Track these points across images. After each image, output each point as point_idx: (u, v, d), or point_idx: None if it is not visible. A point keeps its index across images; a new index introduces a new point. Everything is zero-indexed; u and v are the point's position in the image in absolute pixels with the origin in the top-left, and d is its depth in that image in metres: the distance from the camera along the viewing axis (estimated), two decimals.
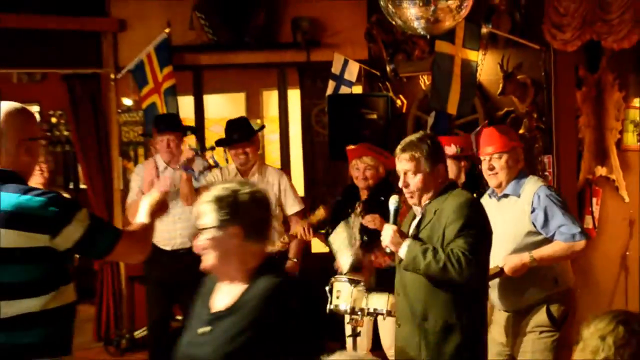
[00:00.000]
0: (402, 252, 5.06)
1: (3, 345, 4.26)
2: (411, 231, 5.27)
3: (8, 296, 4.24)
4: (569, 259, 6.15)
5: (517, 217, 5.94)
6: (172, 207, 7.83)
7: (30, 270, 4.26)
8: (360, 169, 7.42)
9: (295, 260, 7.96)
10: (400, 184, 5.28)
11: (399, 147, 5.31)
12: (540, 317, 6.05)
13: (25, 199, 4.22)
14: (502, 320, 6.34)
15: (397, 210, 5.30)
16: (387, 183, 7.48)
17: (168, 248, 8.11)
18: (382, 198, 7.18)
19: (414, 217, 5.38)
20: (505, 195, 6.21)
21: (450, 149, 7.37)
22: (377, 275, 5.48)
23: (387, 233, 5.13)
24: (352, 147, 7.62)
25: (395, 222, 5.26)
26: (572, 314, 6.23)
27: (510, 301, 6.14)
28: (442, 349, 5.07)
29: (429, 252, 4.95)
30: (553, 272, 6.11)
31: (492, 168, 6.24)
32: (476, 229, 5.10)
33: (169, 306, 8.43)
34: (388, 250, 5.17)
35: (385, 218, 6.72)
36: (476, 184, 7.23)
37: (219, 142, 8.22)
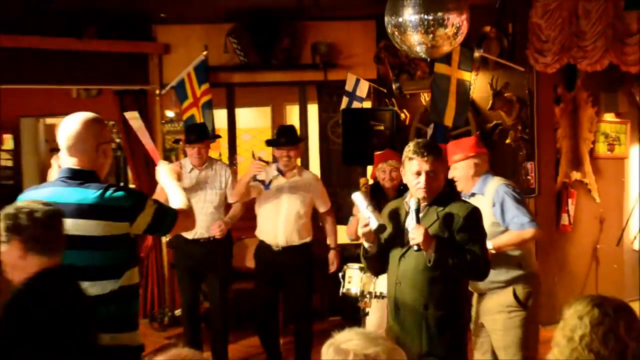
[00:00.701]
0: (432, 251, 4.89)
1: None
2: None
3: (91, 278, 4.32)
4: (522, 244, 6.12)
5: (483, 212, 5.93)
6: (194, 203, 7.93)
7: (109, 256, 4.37)
8: (387, 171, 7.41)
9: (337, 248, 8.00)
10: (423, 183, 4.99)
11: (419, 148, 5.03)
12: (508, 298, 6.04)
13: (108, 194, 4.33)
14: (472, 300, 6.40)
15: (418, 210, 5.03)
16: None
17: (190, 237, 8.13)
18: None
19: (407, 213, 5.12)
20: (473, 194, 6.21)
21: None
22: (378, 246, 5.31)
23: (419, 232, 4.87)
24: (379, 152, 7.61)
25: (418, 222, 4.98)
26: (537, 294, 6.24)
27: (480, 284, 6.12)
28: (441, 335, 4.99)
29: (456, 252, 4.90)
30: (517, 258, 6.12)
31: (452, 176, 6.28)
32: (484, 236, 5.10)
33: (197, 287, 8.43)
34: (416, 248, 4.91)
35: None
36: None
37: (269, 142, 8.29)
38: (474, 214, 5.07)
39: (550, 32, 8.87)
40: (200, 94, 9.86)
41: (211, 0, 9.11)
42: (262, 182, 7.94)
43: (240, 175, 8.47)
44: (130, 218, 4.32)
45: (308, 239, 8.06)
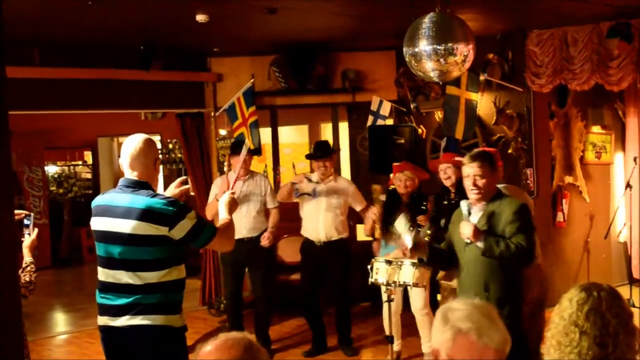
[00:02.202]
0: (481, 242, 5.03)
1: (134, 303, 4.44)
2: (477, 225, 5.17)
3: (137, 269, 4.43)
4: None
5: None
6: (239, 209, 8.01)
7: (152, 251, 4.42)
8: (402, 180, 7.46)
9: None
10: (471, 185, 5.18)
11: (468, 157, 5.28)
12: None
13: (153, 201, 4.40)
14: None
15: (469, 212, 5.23)
16: (420, 190, 7.56)
17: (237, 237, 8.17)
18: (424, 203, 7.37)
19: (470, 214, 5.24)
20: None
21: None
22: (430, 253, 5.45)
23: (469, 228, 5.07)
24: (397, 164, 7.65)
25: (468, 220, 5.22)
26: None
27: None
28: (500, 312, 5.04)
29: (501, 242, 4.96)
30: None
31: None
32: (529, 228, 5.10)
33: (239, 280, 8.48)
34: (468, 241, 5.13)
35: (419, 214, 6.83)
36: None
37: (308, 156, 8.40)
38: (521, 210, 5.12)
39: (544, 58, 8.87)
40: (248, 115, 9.87)
41: (256, 36, 9.13)
42: (307, 194, 8.06)
43: (284, 183, 8.55)
44: (169, 224, 4.37)
45: (345, 235, 8.17)
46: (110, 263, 4.51)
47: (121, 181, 4.57)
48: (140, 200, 4.39)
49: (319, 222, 8.09)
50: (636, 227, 10.45)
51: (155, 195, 4.45)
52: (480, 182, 5.15)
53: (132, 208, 4.39)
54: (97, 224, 4.58)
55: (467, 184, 5.22)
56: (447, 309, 2.54)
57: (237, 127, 10.01)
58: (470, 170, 5.18)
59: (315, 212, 8.11)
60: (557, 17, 8.43)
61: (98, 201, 4.65)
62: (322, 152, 8.08)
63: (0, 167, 4.04)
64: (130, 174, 4.54)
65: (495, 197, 5.22)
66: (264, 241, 8.19)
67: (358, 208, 8.21)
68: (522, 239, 4.98)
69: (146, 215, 4.36)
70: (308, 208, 8.17)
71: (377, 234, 7.78)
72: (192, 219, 4.44)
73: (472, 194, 5.21)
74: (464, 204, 5.26)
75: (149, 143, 4.59)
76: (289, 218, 8.69)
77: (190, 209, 4.52)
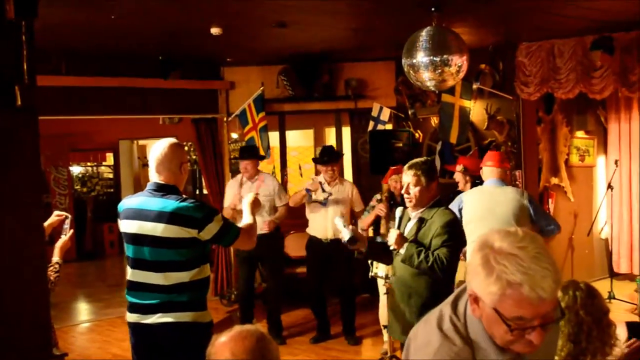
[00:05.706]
0: (402, 250, 4.88)
1: (165, 302, 4.36)
2: (407, 232, 5.04)
3: (168, 270, 4.33)
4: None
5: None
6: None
7: (182, 253, 4.32)
8: (398, 181, 7.47)
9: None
10: (403, 192, 5.03)
11: (406, 165, 5.10)
12: None
13: (183, 205, 4.30)
14: None
15: (401, 219, 5.12)
16: None
17: None
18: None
19: (409, 219, 5.12)
20: None
21: (458, 167, 7.43)
22: (368, 246, 5.34)
23: (393, 236, 4.94)
24: (393, 167, 7.67)
25: (399, 227, 5.07)
26: None
27: None
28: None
29: (422, 253, 4.77)
30: None
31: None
32: (454, 242, 4.86)
33: (252, 273, 8.48)
34: (392, 248, 4.98)
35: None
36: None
37: (315, 160, 8.41)
38: (450, 223, 4.90)
39: (532, 68, 8.87)
40: (258, 120, 9.89)
41: (265, 47, 9.14)
42: (310, 194, 8.05)
43: (291, 183, 8.56)
44: (199, 226, 4.27)
45: None
46: (140, 264, 4.42)
47: (149, 185, 4.46)
48: (171, 204, 4.29)
49: (327, 221, 8.07)
50: (617, 224, 10.46)
51: (184, 199, 4.34)
52: (413, 190, 4.97)
53: (163, 212, 4.28)
54: (128, 226, 4.46)
55: (403, 191, 5.09)
56: (487, 246, 2.08)
57: (248, 131, 10.02)
58: (405, 178, 5.04)
59: (323, 212, 8.13)
60: (545, 31, 8.43)
61: (127, 204, 4.52)
62: (328, 157, 8.09)
63: (31, 168, 4.05)
64: (157, 178, 4.43)
65: (432, 206, 5.01)
66: (264, 227, 8.08)
67: (357, 209, 8.21)
68: (444, 253, 4.76)
69: (176, 218, 4.26)
70: (316, 208, 8.17)
71: (383, 229, 7.77)
72: (219, 221, 4.36)
73: (407, 201, 5.05)
74: (398, 211, 5.17)
75: (174, 148, 4.44)
76: (296, 215, 8.70)
77: (217, 211, 4.45)
